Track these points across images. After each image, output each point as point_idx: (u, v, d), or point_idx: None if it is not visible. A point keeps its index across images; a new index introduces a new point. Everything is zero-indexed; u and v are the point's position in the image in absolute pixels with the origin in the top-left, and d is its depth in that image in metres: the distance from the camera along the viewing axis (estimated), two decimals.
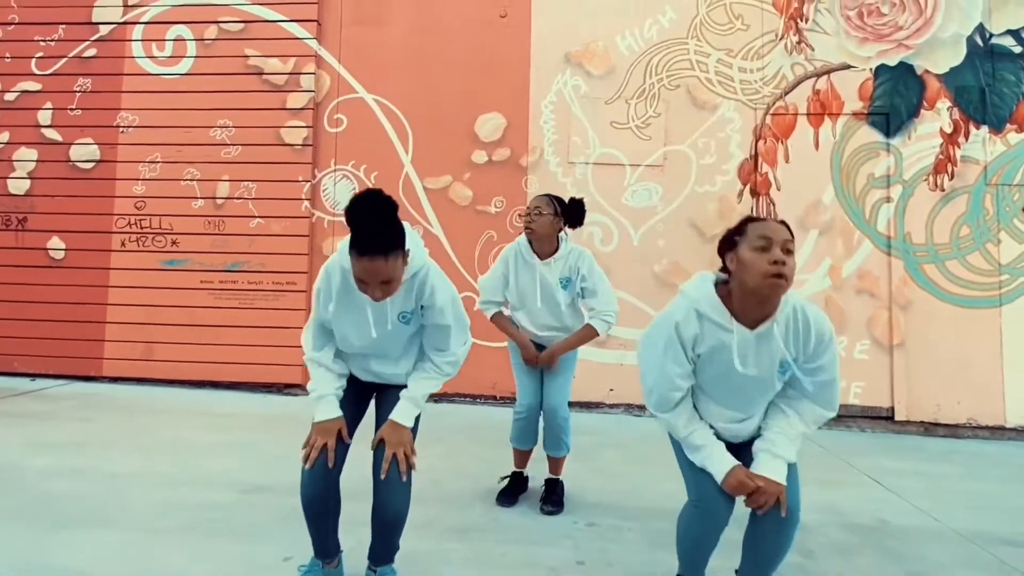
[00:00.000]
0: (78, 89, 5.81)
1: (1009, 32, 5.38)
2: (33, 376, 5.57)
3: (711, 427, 1.93)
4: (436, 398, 4.84)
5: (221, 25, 5.77)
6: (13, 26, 5.90)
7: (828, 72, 5.48)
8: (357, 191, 1.81)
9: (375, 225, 1.73)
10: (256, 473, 3.28)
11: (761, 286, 1.70)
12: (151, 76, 5.78)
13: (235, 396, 5.24)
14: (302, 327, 2.19)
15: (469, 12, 5.69)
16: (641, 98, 5.57)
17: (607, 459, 3.89)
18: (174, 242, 5.66)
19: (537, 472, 3.12)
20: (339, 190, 5.57)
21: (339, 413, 1.97)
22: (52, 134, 5.80)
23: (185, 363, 5.52)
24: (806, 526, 2.72)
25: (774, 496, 1.77)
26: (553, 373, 3.00)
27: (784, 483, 1.79)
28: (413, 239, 1.94)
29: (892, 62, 5.43)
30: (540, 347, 3.07)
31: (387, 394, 2.12)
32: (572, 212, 3.00)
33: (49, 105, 5.82)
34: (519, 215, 5.38)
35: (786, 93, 5.50)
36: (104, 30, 5.84)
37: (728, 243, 1.82)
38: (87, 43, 5.84)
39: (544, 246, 2.98)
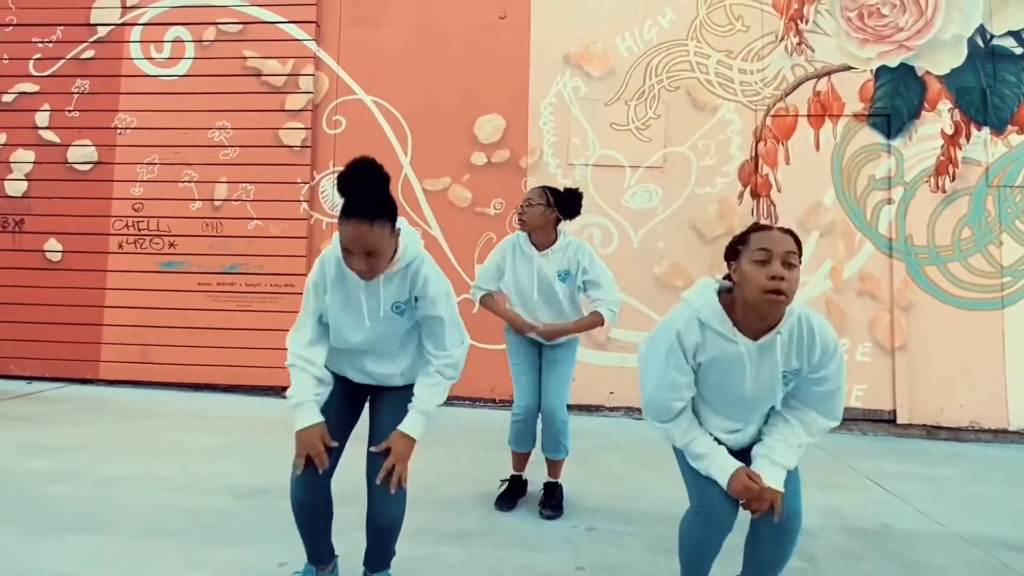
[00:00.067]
0: (76, 90, 5.79)
1: (1010, 33, 5.37)
2: (29, 379, 5.55)
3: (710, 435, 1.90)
4: None
5: (220, 26, 5.76)
6: (11, 27, 5.88)
7: (829, 73, 5.46)
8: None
9: (363, 188, 1.74)
10: (253, 477, 3.25)
11: (759, 301, 1.66)
12: (149, 78, 5.77)
13: (233, 399, 5.21)
14: None
15: (468, 13, 5.67)
16: (641, 100, 5.55)
17: (607, 462, 3.86)
18: (172, 244, 5.64)
19: (536, 476, 3.09)
20: (337, 192, 5.52)
21: (319, 419, 1.90)
22: (50, 135, 5.78)
23: (182, 366, 5.50)
24: (808, 530, 2.68)
25: (768, 502, 1.74)
26: (552, 359, 2.98)
27: (781, 489, 1.76)
28: (408, 232, 1.94)
29: (893, 63, 5.41)
30: (537, 344, 3.05)
31: (382, 397, 2.08)
32: (567, 202, 2.97)
33: (47, 106, 5.80)
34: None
35: (786, 94, 5.48)
36: (102, 31, 5.83)
37: (733, 251, 1.79)
38: (85, 44, 5.83)
39: (540, 237, 2.97)
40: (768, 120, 5.48)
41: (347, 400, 2.09)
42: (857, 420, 5.13)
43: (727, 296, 1.80)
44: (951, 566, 2.60)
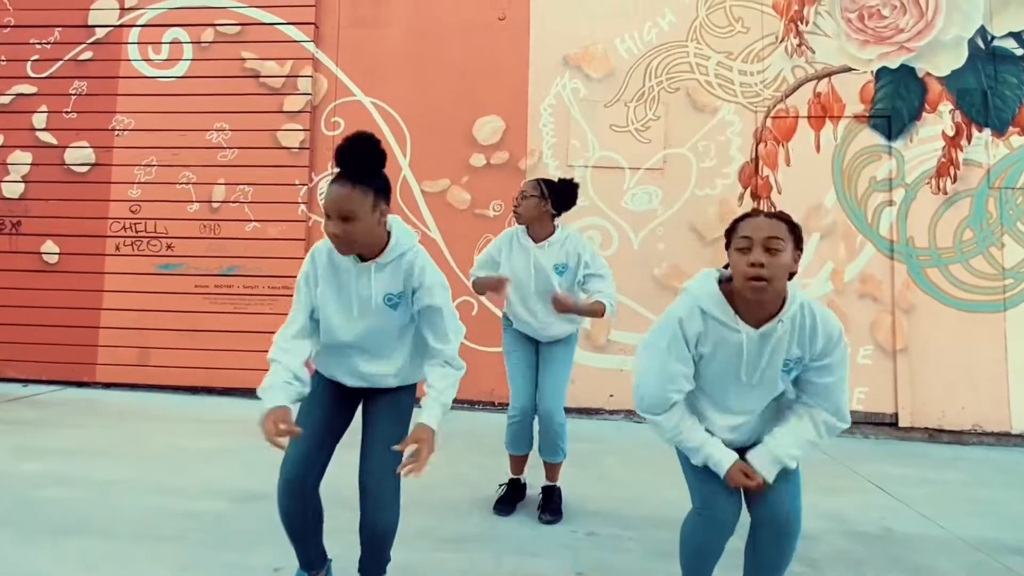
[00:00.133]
0: (74, 92, 5.77)
1: (1011, 34, 5.35)
2: (25, 382, 5.51)
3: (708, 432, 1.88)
4: None
5: (218, 28, 5.74)
6: (9, 29, 5.86)
7: (829, 75, 5.44)
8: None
9: (352, 153, 1.74)
10: (249, 481, 3.21)
11: (744, 288, 1.69)
12: (147, 79, 5.74)
13: (230, 402, 5.17)
14: None
15: (467, 14, 5.65)
16: (640, 101, 5.53)
17: (607, 466, 3.83)
18: (169, 246, 5.61)
19: (535, 480, 3.06)
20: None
21: (280, 403, 1.79)
22: (47, 137, 5.76)
23: (179, 368, 5.46)
24: (810, 535, 2.66)
25: (752, 485, 1.76)
26: (549, 358, 2.96)
27: (769, 477, 1.76)
28: (402, 226, 1.94)
29: (893, 65, 5.39)
30: (534, 341, 3.02)
31: (375, 400, 2.03)
32: (562, 193, 2.95)
33: (44, 108, 5.78)
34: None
35: (787, 96, 5.46)
36: (100, 33, 5.81)
37: (727, 240, 1.80)
38: (83, 46, 5.80)
39: (537, 230, 2.95)
40: (768, 122, 5.46)
41: (339, 402, 2.04)
42: (858, 423, 5.09)
43: (728, 285, 1.80)
44: (954, 570, 2.58)
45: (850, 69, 5.43)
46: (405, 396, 2.05)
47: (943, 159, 5.30)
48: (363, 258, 1.88)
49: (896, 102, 5.37)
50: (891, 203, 5.31)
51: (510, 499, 3.00)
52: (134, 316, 5.55)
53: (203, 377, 5.44)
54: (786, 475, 1.81)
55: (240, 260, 5.54)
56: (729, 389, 1.83)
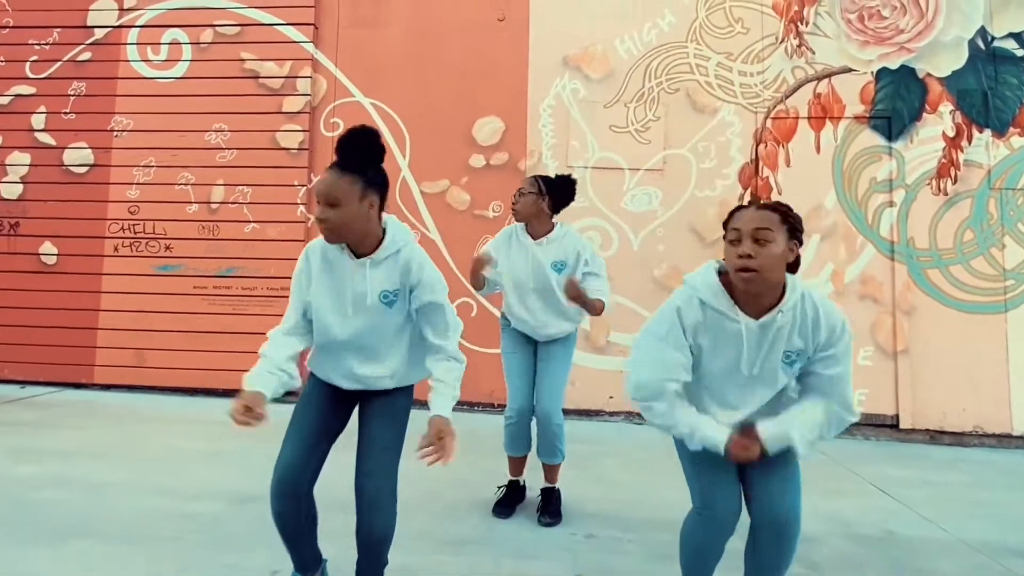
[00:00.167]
0: (72, 93, 5.76)
1: (1011, 35, 5.34)
2: (23, 383, 5.49)
3: None
4: None
5: (217, 29, 5.73)
6: (8, 29, 5.86)
7: (829, 75, 5.43)
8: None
9: (348, 144, 1.78)
10: (247, 482, 3.18)
11: (735, 280, 1.71)
12: (146, 80, 5.74)
13: (228, 404, 5.13)
14: None
15: (467, 15, 5.65)
16: (640, 102, 5.52)
17: (607, 468, 3.82)
18: (168, 247, 5.59)
19: (535, 481, 3.04)
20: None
21: (257, 388, 1.83)
22: (46, 138, 5.75)
23: (178, 370, 5.45)
24: (811, 537, 2.65)
25: (752, 455, 1.74)
26: (547, 357, 2.94)
27: (770, 448, 1.74)
28: (397, 223, 1.93)
29: (893, 65, 5.38)
30: (533, 341, 3.00)
31: (371, 403, 2.01)
32: (559, 188, 2.94)
33: (43, 109, 5.77)
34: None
35: (787, 96, 5.45)
36: (99, 33, 5.80)
37: (724, 234, 1.82)
38: (82, 47, 5.80)
39: (536, 227, 2.94)
40: (768, 122, 5.45)
41: (334, 405, 2.02)
42: (859, 425, 5.06)
43: (727, 276, 1.80)
44: (956, 573, 2.57)
45: (850, 70, 5.42)
46: (402, 398, 2.03)
47: (943, 160, 5.29)
48: (358, 255, 1.87)
49: (896, 103, 5.36)
50: (891, 204, 5.30)
51: (509, 501, 2.98)
52: (132, 317, 5.53)
53: (201, 379, 5.42)
54: (786, 476, 1.80)
55: (239, 261, 5.53)
56: (730, 383, 1.82)
